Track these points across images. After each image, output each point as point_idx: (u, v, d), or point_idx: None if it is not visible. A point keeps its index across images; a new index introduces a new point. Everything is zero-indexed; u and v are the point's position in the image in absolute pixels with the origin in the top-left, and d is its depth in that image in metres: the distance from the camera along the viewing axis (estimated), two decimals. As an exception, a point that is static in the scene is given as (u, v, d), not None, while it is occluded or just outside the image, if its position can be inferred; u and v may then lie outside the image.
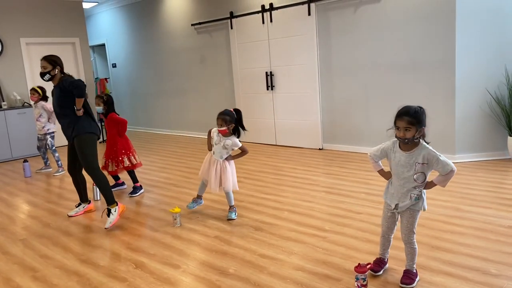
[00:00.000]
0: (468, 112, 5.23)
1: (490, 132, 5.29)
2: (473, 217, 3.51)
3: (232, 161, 3.89)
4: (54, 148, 6.17)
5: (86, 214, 4.26)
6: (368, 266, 2.59)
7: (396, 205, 2.50)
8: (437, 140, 5.40)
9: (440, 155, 2.38)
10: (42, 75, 3.88)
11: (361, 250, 3.04)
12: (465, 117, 5.23)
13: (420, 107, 2.39)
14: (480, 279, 2.54)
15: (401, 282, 2.52)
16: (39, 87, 6.12)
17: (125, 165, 4.78)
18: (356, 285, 2.47)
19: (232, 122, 3.77)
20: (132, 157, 4.84)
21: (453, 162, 2.40)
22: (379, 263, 2.67)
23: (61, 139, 7.99)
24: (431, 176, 2.46)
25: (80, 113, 3.86)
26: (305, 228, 3.52)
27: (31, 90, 6.08)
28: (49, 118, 6.09)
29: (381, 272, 2.65)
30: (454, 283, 2.52)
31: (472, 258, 2.81)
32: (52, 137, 6.17)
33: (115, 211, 3.83)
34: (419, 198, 2.46)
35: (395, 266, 2.74)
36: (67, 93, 3.81)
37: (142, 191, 4.90)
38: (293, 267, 2.86)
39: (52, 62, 3.87)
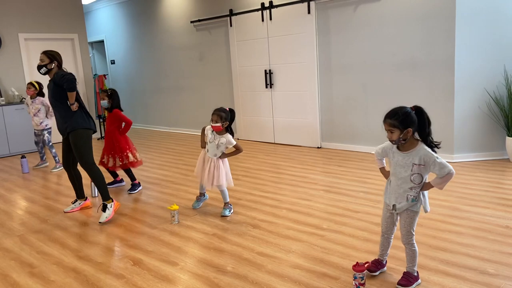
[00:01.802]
0: (467, 112, 5.23)
1: (488, 132, 5.29)
2: (471, 217, 3.51)
3: (225, 159, 3.89)
4: (51, 144, 6.16)
5: (83, 210, 4.25)
6: (366, 265, 2.60)
7: (394, 206, 2.49)
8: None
9: (437, 157, 2.35)
10: (39, 67, 3.92)
11: (359, 249, 3.04)
12: (464, 117, 5.23)
13: (408, 109, 2.36)
14: (477, 279, 2.54)
15: (398, 283, 2.51)
16: (37, 82, 6.10)
17: (130, 160, 4.74)
18: (354, 283, 2.47)
19: (227, 120, 3.78)
20: (136, 153, 4.84)
21: (451, 162, 2.40)
22: (376, 264, 2.67)
23: (57, 135, 8.00)
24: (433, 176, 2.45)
25: (74, 107, 3.87)
26: (303, 226, 3.52)
27: (28, 84, 6.06)
28: (46, 114, 6.09)
29: (377, 273, 2.65)
30: (451, 282, 2.52)
31: (470, 257, 2.81)
32: (49, 133, 6.17)
33: (111, 207, 3.89)
34: (416, 199, 2.43)
35: (394, 265, 2.74)
36: (60, 87, 3.83)
37: (140, 188, 4.89)
38: (291, 265, 2.86)
39: (50, 56, 3.90)
